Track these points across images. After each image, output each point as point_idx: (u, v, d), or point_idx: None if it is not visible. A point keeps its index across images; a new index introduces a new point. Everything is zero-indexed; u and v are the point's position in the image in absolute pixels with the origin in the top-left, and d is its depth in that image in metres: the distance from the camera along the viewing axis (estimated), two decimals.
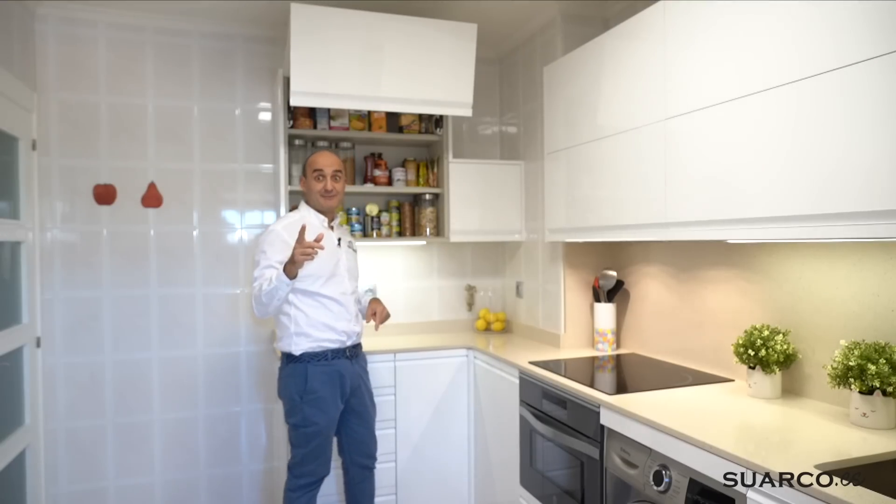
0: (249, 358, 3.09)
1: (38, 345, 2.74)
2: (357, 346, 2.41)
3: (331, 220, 2.41)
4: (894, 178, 1.27)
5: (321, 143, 3.06)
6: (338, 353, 2.30)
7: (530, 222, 3.14)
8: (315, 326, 2.27)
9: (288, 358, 2.29)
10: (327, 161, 2.34)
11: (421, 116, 3.16)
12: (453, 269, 3.43)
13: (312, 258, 2.08)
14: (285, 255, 2.13)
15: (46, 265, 2.77)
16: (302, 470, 2.28)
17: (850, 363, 1.54)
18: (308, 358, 2.26)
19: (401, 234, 3.23)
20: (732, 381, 2.09)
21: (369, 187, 3.07)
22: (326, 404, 2.27)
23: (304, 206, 2.39)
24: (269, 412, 3.10)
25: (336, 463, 2.48)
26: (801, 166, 1.47)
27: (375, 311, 2.44)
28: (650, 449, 1.68)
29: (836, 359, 1.61)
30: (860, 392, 1.54)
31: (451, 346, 2.94)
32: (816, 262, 1.83)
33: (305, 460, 2.27)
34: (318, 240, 2.07)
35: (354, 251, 2.49)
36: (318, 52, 2.48)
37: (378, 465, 2.53)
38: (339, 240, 2.38)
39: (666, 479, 1.59)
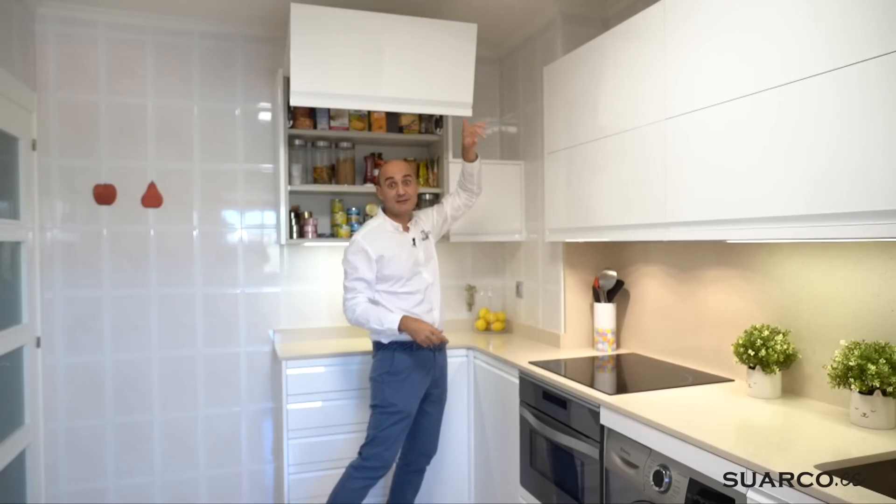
0: (249, 358, 3.09)
1: (38, 345, 2.74)
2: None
3: (406, 222, 2.54)
4: (891, 179, 1.27)
5: (321, 143, 3.06)
6: (429, 345, 2.41)
7: (530, 222, 3.14)
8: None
9: (377, 345, 2.47)
10: (397, 168, 2.49)
11: (421, 116, 3.16)
12: (453, 269, 3.43)
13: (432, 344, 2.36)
14: (369, 267, 2.39)
15: (46, 265, 2.77)
16: (370, 451, 2.40)
17: (850, 363, 1.54)
18: (395, 346, 2.42)
19: None
20: (732, 381, 2.09)
21: (369, 187, 3.07)
22: (408, 388, 2.42)
23: (381, 214, 2.55)
24: (269, 412, 3.11)
25: None
26: (799, 166, 1.48)
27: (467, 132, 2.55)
28: (650, 449, 1.68)
29: (836, 359, 1.61)
30: (860, 392, 1.54)
31: (452, 346, 2.93)
32: (816, 262, 1.83)
33: (376, 441, 2.39)
34: (435, 337, 2.34)
35: (425, 238, 2.57)
36: (318, 52, 2.48)
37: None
38: (414, 239, 2.51)
39: (666, 479, 1.59)
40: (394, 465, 2.62)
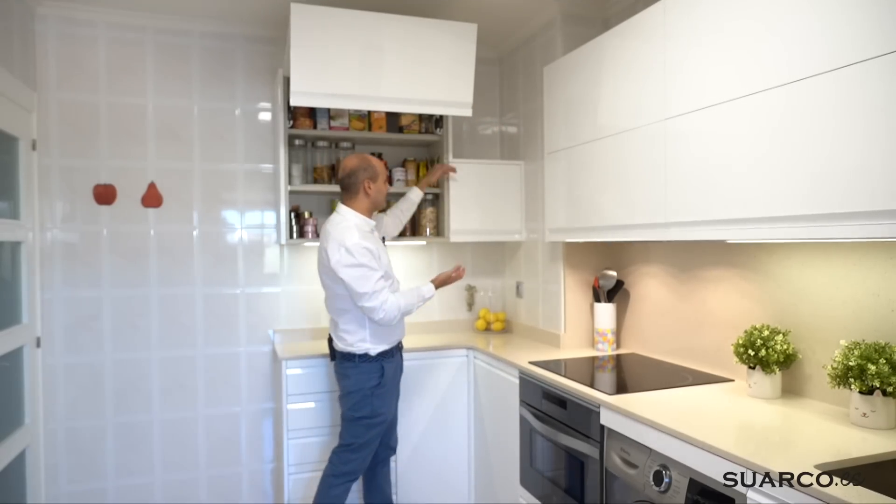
0: (249, 358, 3.08)
1: (38, 345, 2.74)
2: None
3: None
4: (891, 178, 1.27)
5: (321, 143, 3.06)
6: (398, 347, 2.48)
7: (530, 222, 3.14)
8: (395, 327, 2.41)
9: (361, 357, 2.35)
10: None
11: (421, 116, 3.16)
12: None
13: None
14: (379, 263, 2.28)
15: (46, 265, 2.77)
16: (351, 457, 2.38)
17: (850, 363, 1.54)
18: (382, 356, 2.37)
19: (401, 234, 3.23)
20: (732, 381, 2.09)
21: None
22: (393, 395, 2.47)
23: (349, 212, 2.36)
24: (269, 412, 3.10)
25: None
26: (799, 166, 1.48)
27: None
28: (650, 449, 1.68)
29: (836, 359, 1.61)
30: (860, 392, 1.54)
31: (452, 346, 2.94)
32: (816, 261, 1.83)
33: (359, 448, 2.37)
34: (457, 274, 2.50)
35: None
36: (318, 52, 2.48)
37: None
38: (384, 238, 2.53)
39: (666, 479, 1.59)
40: None
